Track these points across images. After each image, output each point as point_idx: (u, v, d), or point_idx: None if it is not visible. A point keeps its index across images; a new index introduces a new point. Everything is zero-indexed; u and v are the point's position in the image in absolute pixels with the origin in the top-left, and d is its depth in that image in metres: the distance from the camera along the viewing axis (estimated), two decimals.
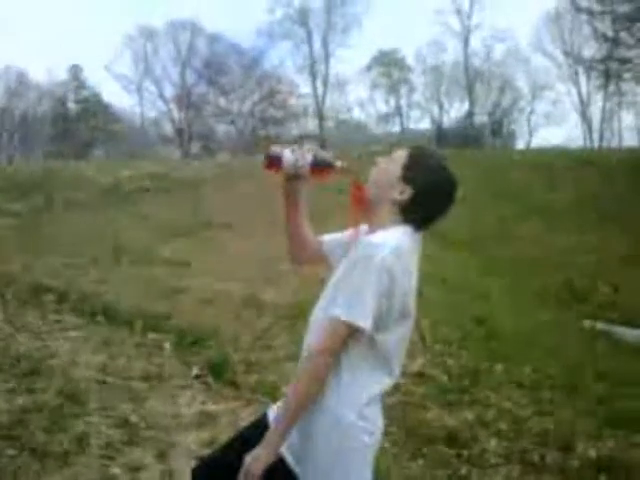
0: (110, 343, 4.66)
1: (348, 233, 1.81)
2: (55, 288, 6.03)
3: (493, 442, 3.49)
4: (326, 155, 1.74)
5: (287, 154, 1.71)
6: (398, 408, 3.88)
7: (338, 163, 1.73)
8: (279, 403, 1.66)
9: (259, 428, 1.63)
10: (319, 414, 1.54)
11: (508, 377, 4.49)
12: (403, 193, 1.62)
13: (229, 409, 3.57)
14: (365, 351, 1.55)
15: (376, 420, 1.60)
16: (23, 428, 3.12)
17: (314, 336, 1.59)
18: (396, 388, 4.20)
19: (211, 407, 3.74)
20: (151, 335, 4.94)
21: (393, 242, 1.53)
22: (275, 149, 1.73)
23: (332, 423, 1.53)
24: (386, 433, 3.58)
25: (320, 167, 1.73)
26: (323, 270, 1.88)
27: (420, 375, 4.45)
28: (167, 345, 4.79)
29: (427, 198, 1.63)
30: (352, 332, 1.50)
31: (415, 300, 1.64)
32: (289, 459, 1.56)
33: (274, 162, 1.71)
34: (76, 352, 4.36)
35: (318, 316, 1.63)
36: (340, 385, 1.54)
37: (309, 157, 1.71)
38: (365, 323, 1.48)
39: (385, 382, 1.61)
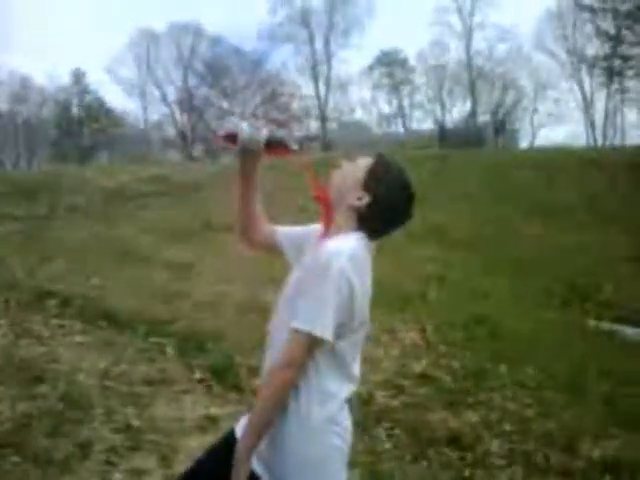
0: (113, 348, 4.65)
1: (303, 231, 1.83)
2: (58, 293, 6.02)
3: (497, 443, 3.50)
4: (283, 135, 1.74)
5: (244, 127, 1.70)
6: (401, 410, 3.88)
7: (294, 146, 1.73)
8: (244, 419, 1.65)
9: (228, 444, 1.62)
10: (288, 422, 1.54)
11: (512, 378, 4.48)
12: (361, 199, 1.63)
13: (232, 413, 3.55)
14: (329, 358, 1.55)
15: (345, 422, 1.61)
16: (26, 434, 3.12)
17: (276, 349, 1.58)
18: (399, 390, 4.21)
19: (214, 411, 3.73)
20: (153, 339, 4.94)
21: (348, 250, 1.53)
22: (232, 122, 1.72)
23: (303, 429, 1.54)
24: (389, 435, 3.60)
25: (275, 145, 1.72)
26: None
27: (423, 376, 4.45)
28: (170, 349, 4.78)
29: (383, 208, 1.64)
30: (315, 343, 1.49)
31: (368, 306, 1.64)
32: (258, 469, 1.55)
33: (231, 136, 1.71)
34: (79, 357, 4.36)
35: (282, 320, 1.61)
36: (310, 392, 1.54)
37: (265, 132, 1.70)
38: (326, 334, 1.48)
39: (349, 386, 1.62)
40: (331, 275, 1.48)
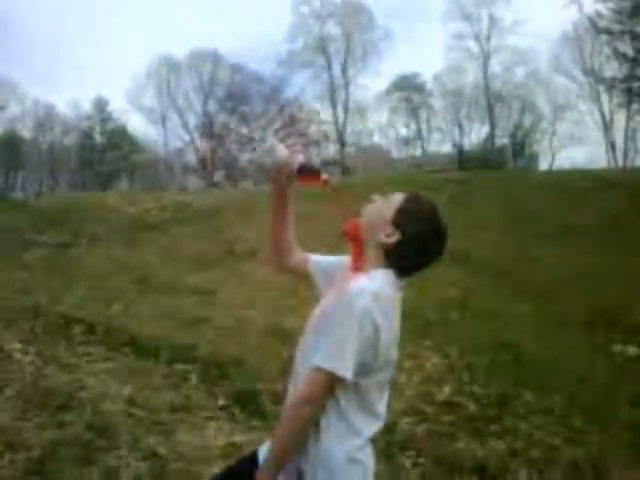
0: (137, 375, 4.69)
1: (335, 261, 1.84)
2: (83, 319, 6.11)
3: (524, 473, 3.44)
4: (316, 163, 1.76)
5: (281, 147, 1.72)
6: (426, 438, 3.84)
7: (324, 175, 1.73)
8: (268, 443, 1.65)
9: (251, 464, 1.64)
10: (309, 460, 1.54)
11: (537, 404, 4.42)
12: (390, 237, 1.62)
13: (256, 440, 3.55)
14: (351, 396, 1.54)
15: (369, 463, 1.59)
16: (53, 462, 3.15)
17: (299, 378, 1.59)
18: (424, 418, 4.18)
19: (238, 438, 3.74)
20: (177, 366, 4.98)
21: (374, 288, 1.53)
22: (269, 144, 1.76)
23: (323, 469, 1.53)
24: (414, 464, 3.57)
25: (307, 172, 1.73)
26: None
27: (448, 404, 4.41)
28: (193, 375, 4.82)
29: (412, 247, 1.62)
30: (335, 381, 1.49)
31: (397, 346, 1.63)
32: None
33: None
34: (104, 384, 4.40)
35: (306, 350, 1.63)
36: (329, 430, 1.53)
37: (300, 157, 1.72)
38: (346, 373, 1.48)
39: (373, 425, 1.61)
40: (354, 314, 1.48)
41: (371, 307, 1.49)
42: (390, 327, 1.57)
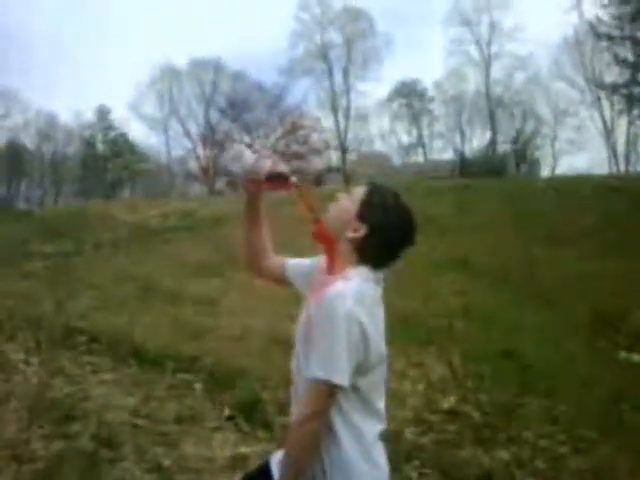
0: (142, 385, 4.69)
1: (311, 263, 1.84)
2: (87, 330, 6.11)
3: None
4: (284, 168, 1.76)
5: (247, 154, 1.74)
6: (431, 447, 3.83)
7: (293, 179, 1.74)
8: (280, 453, 1.65)
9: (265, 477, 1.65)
10: (323, 464, 1.54)
11: (542, 412, 4.40)
12: (357, 231, 1.61)
13: (262, 451, 3.55)
14: (352, 397, 1.55)
15: (380, 460, 1.61)
16: (59, 474, 3.15)
17: (300, 388, 1.60)
18: (428, 426, 4.17)
19: (244, 449, 3.73)
20: (181, 376, 4.97)
21: (353, 290, 1.52)
22: (236, 149, 1.78)
23: (340, 472, 1.54)
24: (420, 474, 3.56)
25: (275, 177, 1.74)
26: None
27: (452, 412, 4.40)
28: (198, 386, 4.81)
29: (381, 238, 1.62)
30: (334, 389, 1.49)
31: (385, 343, 1.63)
32: None
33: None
34: (109, 395, 4.40)
35: (299, 364, 1.63)
36: (337, 435, 1.54)
37: (267, 163, 1.72)
38: (342, 379, 1.48)
39: (377, 424, 1.62)
40: (338, 321, 1.47)
41: (354, 309, 1.48)
42: (377, 322, 1.58)
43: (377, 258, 1.63)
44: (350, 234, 1.62)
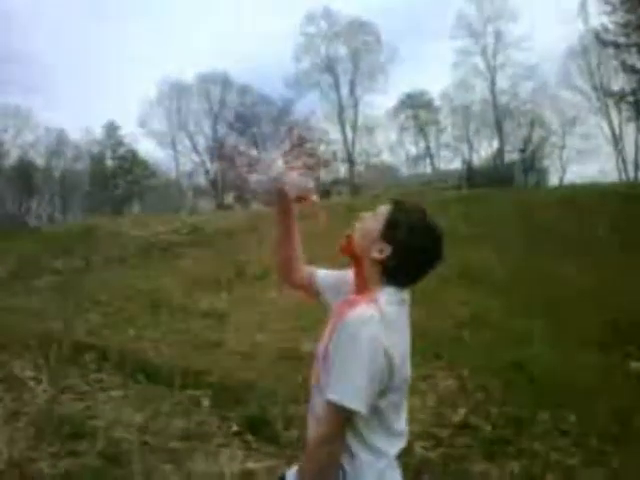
0: (150, 401, 4.68)
1: (341, 275, 1.83)
2: (96, 346, 6.12)
3: None
4: (312, 184, 1.78)
5: (278, 164, 1.79)
6: (441, 461, 3.80)
7: (314, 197, 1.76)
8: (295, 468, 1.63)
9: None
10: None
11: (553, 425, 4.36)
12: (382, 252, 1.59)
13: (270, 467, 3.54)
14: (371, 419, 1.52)
15: None
16: None
17: (316, 405, 1.59)
18: (438, 440, 4.13)
19: (252, 465, 3.71)
20: (190, 391, 4.96)
21: (377, 313, 1.50)
22: (276, 169, 1.81)
23: None
24: None
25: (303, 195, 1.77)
26: None
27: (463, 425, 4.37)
28: (206, 401, 4.79)
29: (406, 257, 1.59)
30: (350, 414, 1.47)
31: (409, 362, 1.62)
32: None
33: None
34: (117, 412, 4.39)
35: (320, 383, 1.60)
36: (354, 457, 1.53)
37: (312, 183, 1.75)
38: (360, 406, 1.45)
39: (396, 444, 1.60)
40: (361, 345, 1.45)
41: (376, 333, 1.46)
42: (401, 345, 1.55)
43: (403, 278, 1.61)
44: (375, 255, 1.60)
